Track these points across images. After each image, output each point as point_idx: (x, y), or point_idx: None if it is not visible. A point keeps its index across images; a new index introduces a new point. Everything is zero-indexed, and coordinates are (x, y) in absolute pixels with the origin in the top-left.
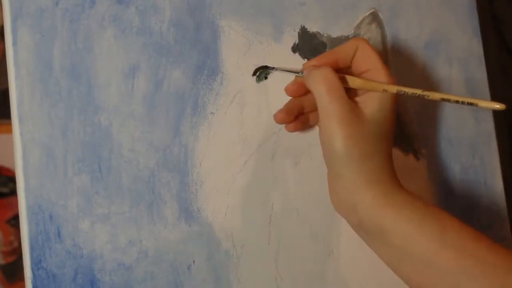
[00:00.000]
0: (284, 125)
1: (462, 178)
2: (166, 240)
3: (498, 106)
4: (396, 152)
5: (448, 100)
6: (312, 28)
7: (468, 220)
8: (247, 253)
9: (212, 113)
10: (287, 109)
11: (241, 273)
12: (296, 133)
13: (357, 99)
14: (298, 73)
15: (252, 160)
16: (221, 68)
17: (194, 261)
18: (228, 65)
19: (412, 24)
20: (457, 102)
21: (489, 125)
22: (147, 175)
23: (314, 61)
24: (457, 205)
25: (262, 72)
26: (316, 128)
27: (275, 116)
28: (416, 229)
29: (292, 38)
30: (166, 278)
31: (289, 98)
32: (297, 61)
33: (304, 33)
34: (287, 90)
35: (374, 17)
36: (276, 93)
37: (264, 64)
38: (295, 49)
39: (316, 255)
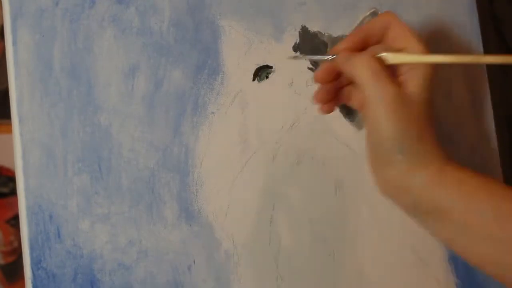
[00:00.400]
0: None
1: None
2: (166, 240)
3: None
4: None
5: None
6: (313, 27)
7: None
8: (247, 253)
9: (213, 112)
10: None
11: (241, 273)
12: (297, 134)
13: (400, 79)
14: (328, 57)
15: (253, 160)
16: (221, 68)
17: (194, 261)
18: (228, 64)
19: (412, 24)
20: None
21: (489, 125)
22: (147, 175)
23: (344, 44)
24: None
25: (263, 72)
26: (316, 130)
27: (315, 96)
28: (471, 204)
29: (293, 37)
30: (166, 278)
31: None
32: (299, 61)
33: (305, 33)
34: (316, 77)
35: (375, 16)
36: (277, 92)
37: (265, 64)
38: (296, 48)
39: (317, 255)
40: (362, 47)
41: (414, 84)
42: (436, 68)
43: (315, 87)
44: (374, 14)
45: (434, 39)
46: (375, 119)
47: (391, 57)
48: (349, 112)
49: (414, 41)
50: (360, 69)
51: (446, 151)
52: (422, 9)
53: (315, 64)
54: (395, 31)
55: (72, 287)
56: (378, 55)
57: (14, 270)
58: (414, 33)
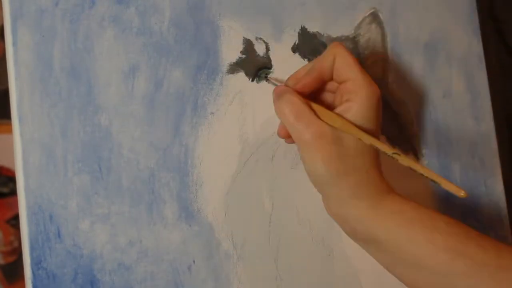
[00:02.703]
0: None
1: (462, 178)
2: (166, 240)
3: (462, 194)
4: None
5: (414, 171)
6: (312, 28)
7: (468, 220)
8: (247, 253)
9: (212, 113)
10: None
11: (241, 273)
12: None
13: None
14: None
15: (252, 160)
16: (221, 68)
17: (194, 261)
18: (228, 65)
19: (412, 24)
20: (422, 175)
21: (489, 125)
22: (147, 175)
23: (292, 80)
24: (457, 205)
25: (262, 72)
26: None
27: (279, 132)
28: (406, 236)
29: (292, 38)
30: (166, 278)
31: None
32: (297, 61)
33: (304, 33)
34: (279, 133)
35: (374, 17)
36: None
37: (264, 64)
38: (295, 49)
39: (316, 255)
40: (318, 83)
41: (350, 114)
42: (377, 99)
43: None
44: (373, 14)
45: (434, 39)
46: (303, 157)
47: (328, 117)
48: None
49: (357, 74)
50: (283, 110)
51: (387, 183)
52: (422, 9)
53: None
54: (340, 62)
55: (72, 287)
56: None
57: (14, 270)
58: (357, 65)
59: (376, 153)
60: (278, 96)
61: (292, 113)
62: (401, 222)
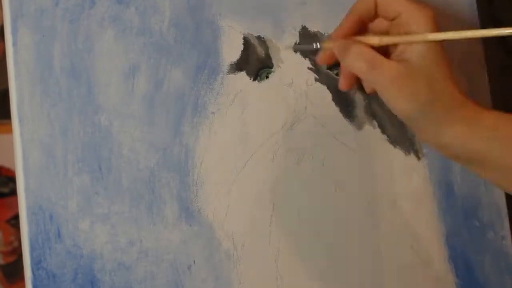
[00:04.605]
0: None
1: (462, 178)
2: (166, 240)
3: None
4: (398, 152)
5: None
6: (313, 27)
7: (468, 220)
8: (247, 253)
9: (213, 112)
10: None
11: (241, 273)
12: (297, 134)
13: (399, 49)
14: (317, 48)
15: (253, 160)
16: (221, 68)
17: (194, 261)
18: (228, 64)
19: None
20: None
21: None
22: (147, 175)
23: (339, 31)
24: (457, 205)
25: (263, 72)
26: (316, 130)
27: (340, 86)
28: (510, 146)
29: (293, 37)
30: (166, 278)
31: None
32: (298, 61)
33: (304, 33)
34: (319, 60)
35: None
36: (277, 92)
37: (265, 64)
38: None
39: (317, 255)
40: (359, 27)
41: (412, 54)
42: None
43: (315, 87)
44: None
45: None
46: (387, 103)
47: (385, 40)
48: (349, 112)
49: (408, 5)
50: (355, 62)
51: (472, 99)
52: None
53: (315, 65)
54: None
55: (72, 287)
56: (371, 43)
57: (14, 270)
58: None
59: (449, 68)
60: (344, 50)
61: (365, 64)
62: (501, 135)
